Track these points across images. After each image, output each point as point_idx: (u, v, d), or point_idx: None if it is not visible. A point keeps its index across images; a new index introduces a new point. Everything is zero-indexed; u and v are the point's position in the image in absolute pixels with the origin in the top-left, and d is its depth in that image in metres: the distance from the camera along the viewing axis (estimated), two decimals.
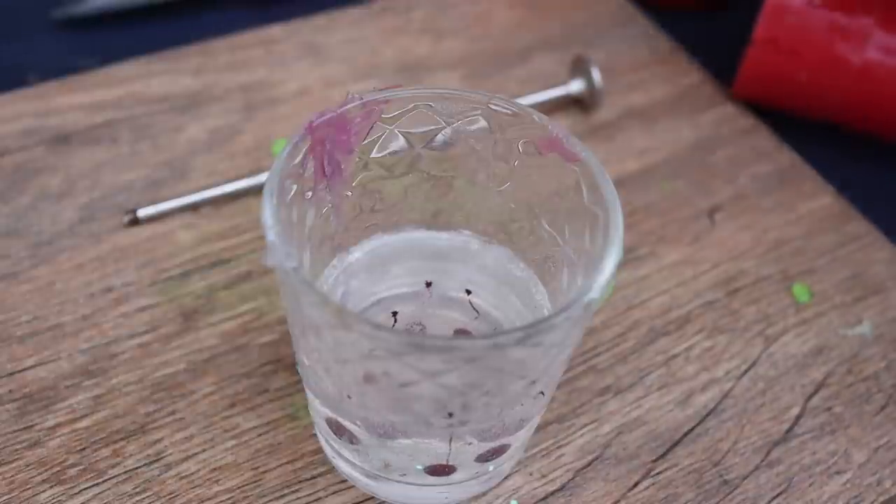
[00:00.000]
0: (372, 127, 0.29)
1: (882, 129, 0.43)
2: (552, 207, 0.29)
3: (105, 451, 0.32)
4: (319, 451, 0.32)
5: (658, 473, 0.32)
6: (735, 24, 0.49)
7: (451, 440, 0.28)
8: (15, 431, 0.32)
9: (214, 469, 0.31)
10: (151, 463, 0.31)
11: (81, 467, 0.31)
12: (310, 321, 0.25)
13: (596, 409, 0.34)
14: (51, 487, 0.31)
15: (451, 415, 0.26)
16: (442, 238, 0.32)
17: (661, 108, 0.45)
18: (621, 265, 0.26)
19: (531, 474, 0.32)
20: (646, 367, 0.35)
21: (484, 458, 0.29)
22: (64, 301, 0.35)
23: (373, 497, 0.31)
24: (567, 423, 0.33)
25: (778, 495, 0.32)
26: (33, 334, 0.34)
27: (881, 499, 0.32)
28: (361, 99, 0.28)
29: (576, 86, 0.43)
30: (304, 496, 0.31)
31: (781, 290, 0.38)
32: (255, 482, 0.31)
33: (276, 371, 0.34)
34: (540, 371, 0.26)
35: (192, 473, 0.31)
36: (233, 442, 0.32)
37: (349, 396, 0.27)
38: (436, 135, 0.30)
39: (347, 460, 0.30)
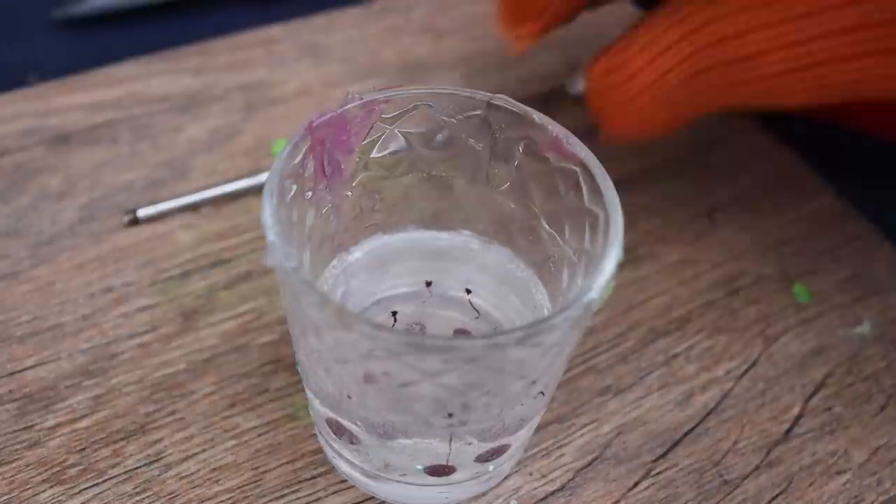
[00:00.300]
0: (372, 127, 0.29)
1: (882, 128, 0.43)
2: (552, 207, 0.29)
3: (105, 451, 0.32)
4: (319, 451, 0.32)
5: (658, 473, 0.32)
6: None
7: (451, 440, 0.28)
8: (15, 431, 0.32)
9: (214, 469, 0.31)
10: (151, 463, 0.31)
11: (81, 467, 0.31)
12: (310, 321, 0.25)
13: (596, 409, 0.34)
14: (51, 487, 0.31)
15: (451, 415, 0.26)
16: (442, 238, 0.32)
17: None
18: (621, 265, 0.26)
19: (531, 474, 0.32)
20: (646, 367, 0.35)
21: (484, 458, 0.29)
22: (64, 301, 0.35)
23: (373, 497, 0.31)
24: (567, 423, 0.33)
25: (778, 495, 0.32)
26: (33, 334, 0.34)
27: (881, 499, 0.32)
28: (361, 99, 0.28)
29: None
30: (304, 496, 0.31)
31: (781, 290, 0.38)
32: (255, 482, 0.31)
33: (276, 371, 0.34)
34: (540, 371, 0.26)
35: (192, 473, 0.31)
36: (233, 442, 0.32)
37: (349, 396, 0.27)
38: (436, 135, 0.30)
39: (347, 460, 0.30)
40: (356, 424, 0.28)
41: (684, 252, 0.39)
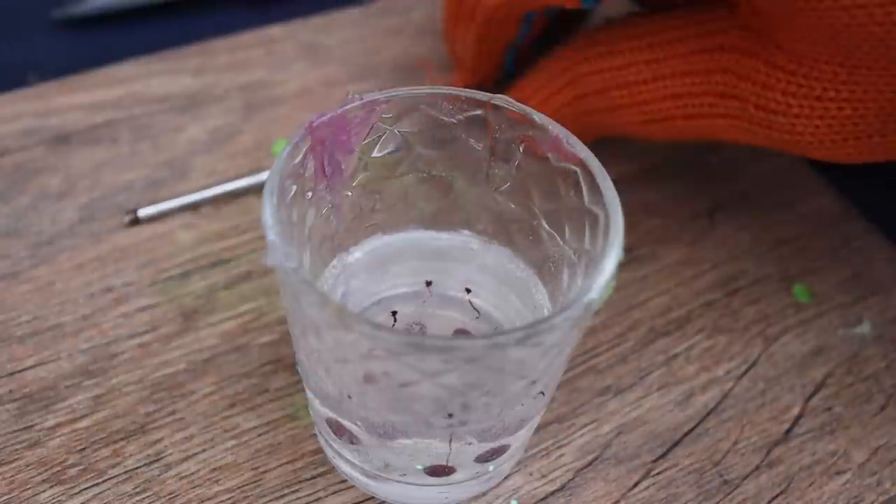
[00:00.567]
0: (372, 127, 0.29)
1: None
2: (552, 207, 0.29)
3: (105, 451, 0.32)
4: (319, 451, 0.32)
5: (658, 473, 0.32)
6: None
7: (451, 440, 0.28)
8: (15, 431, 0.32)
9: (214, 469, 0.31)
10: (151, 463, 0.31)
11: (81, 467, 0.31)
12: (310, 321, 0.25)
13: (596, 409, 0.34)
14: (51, 487, 0.31)
15: (451, 415, 0.26)
16: (442, 238, 0.32)
17: None
18: (621, 265, 0.26)
19: (531, 474, 0.32)
20: (646, 367, 0.35)
21: (484, 458, 0.29)
22: (64, 301, 0.35)
23: (373, 497, 0.31)
24: (567, 423, 0.33)
25: (778, 495, 0.32)
26: (33, 334, 0.34)
27: (881, 499, 0.32)
28: (361, 99, 0.28)
29: None
30: (304, 496, 0.31)
31: (781, 290, 0.38)
32: (255, 482, 0.31)
33: (276, 371, 0.34)
34: (540, 371, 0.26)
35: (192, 473, 0.31)
36: (233, 442, 0.32)
37: (349, 396, 0.27)
38: (435, 135, 0.30)
39: (347, 460, 0.30)
40: (356, 424, 0.28)
41: (684, 252, 0.39)
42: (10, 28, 0.48)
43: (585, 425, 0.33)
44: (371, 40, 0.46)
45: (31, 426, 0.32)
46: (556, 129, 0.28)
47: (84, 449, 0.32)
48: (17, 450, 0.31)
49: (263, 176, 0.39)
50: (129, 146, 0.41)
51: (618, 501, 0.32)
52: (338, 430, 0.29)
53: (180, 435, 0.32)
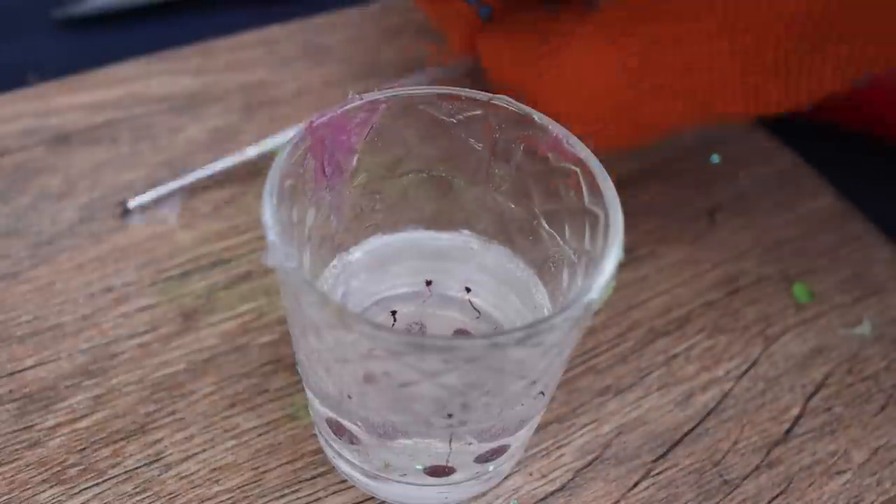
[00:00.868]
0: (372, 127, 0.29)
1: (882, 129, 0.43)
2: (552, 207, 0.29)
3: (105, 451, 0.32)
4: (319, 451, 0.32)
5: (658, 473, 0.32)
6: None
7: (451, 440, 0.28)
8: (15, 431, 0.32)
9: (214, 469, 0.31)
10: (151, 463, 0.31)
11: (81, 467, 0.31)
12: (310, 321, 0.25)
13: (596, 409, 0.34)
14: (51, 487, 0.31)
15: (450, 415, 0.26)
16: (442, 238, 0.32)
17: None
18: (621, 265, 0.26)
19: (531, 474, 0.32)
20: (646, 367, 0.35)
21: (484, 458, 0.29)
22: (64, 301, 0.35)
23: (373, 497, 0.31)
24: (567, 423, 0.33)
25: (778, 495, 0.32)
26: (33, 334, 0.34)
27: (881, 499, 0.32)
28: (361, 99, 0.28)
29: None
30: (304, 496, 0.31)
31: (781, 290, 0.38)
32: (255, 482, 0.31)
33: (276, 371, 0.34)
34: (540, 371, 0.26)
35: (192, 473, 0.31)
36: (233, 442, 0.32)
37: (349, 396, 0.27)
38: (436, 135, 0.30)
39: (347, 460, 0.30)
40: (356, 424, 0.28)
41: (684, 252, 0.39)
42: (10, 28, 0.48)
43: (585, 425, 0.33)
44: (371, 40, 0.46)
45: (31, 426, 0.32)
46: (556, 129, 0.28)
47: (84, 449, 0.32)
48: (17, 450, 0.31)
49: (263, 146, 0.39)
50: (129, 146, 0.41)
51: (618, 501, 0.32)
52: (338, 430, 0.29)
53: (180, 435, 0.32)
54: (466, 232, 0.32)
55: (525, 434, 0.30)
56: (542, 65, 0.35)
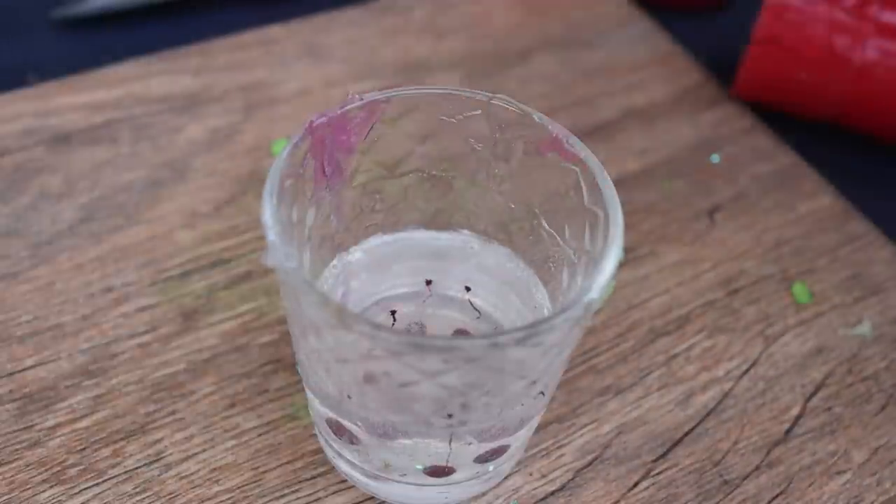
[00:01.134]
0: (372, 127, 0.29)
1: (882, 129, 0.43)
2: (552, 207, 0.29)
3: (105, 451, 0.32)
4: (319, 451, 0.32)
5: (658, 473, 0.32)
6: (735, 24, 0.49)
7: (451, 440, 0.28)
8: (15, 431, 0.32)
9: (214, 469, 0.31)
10: (151, 463, 0.31)
11: (81, 467, 0.31)
12: (310, 321, 0.25)
13: (596, 409, 0.34)
14: (51, 487, 0.31)
15: (450, 415, 0.26)
16: (442, 238, 0.32)
17: (661, 108, 0.45)
18: (621, 265, 0.26)
19: (531, 474, 0.32)
20: (646, 367, 0.35)
21: (484, 458, 0.29)
22: (64, 301, 0.35)
23: (373, 497, 0.31)
24: (567, 423, 0.33)
25: (778, 495, 0.32)
26: (33, 334, 0.34)
27: (881, 499, 0.32)
28: (361, 99, 0.28)
29: None
30: (304, 496, 0.31)
31: (781, 290, 0.38)
32: (255, 482, 0.31)
33: (276, 371, 0.34)
34: (540, 371, 0.26)
35: (192, 473, 0.31)
36: (233, 442, 0.32)
37: (349, 396, 0.27)
38: (435, 134, 0.30)
39: (347, 460, 0.30)
40: (356, 424, 0.28)
41: (684, 252, 0.39)
42: (10, 28, 0.48)
43: (585, 425, 0.33)
44: (371, 40, 0.46)
45: (31, 426, 0.32)
46: (556, 129, 0.28)
47: (84, 449, 0.32)
48: (17, 450, 0.31)
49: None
50: (129, 146, 0.41)
51: (618, 501, 0.32)
52: (338, 430, 0.29)
53: (180, 435, 0.32)
54: (466, 232, 0.32)
55: (525, 434, 0.30)
56: None
